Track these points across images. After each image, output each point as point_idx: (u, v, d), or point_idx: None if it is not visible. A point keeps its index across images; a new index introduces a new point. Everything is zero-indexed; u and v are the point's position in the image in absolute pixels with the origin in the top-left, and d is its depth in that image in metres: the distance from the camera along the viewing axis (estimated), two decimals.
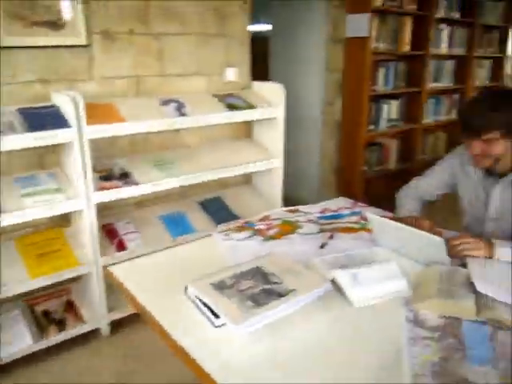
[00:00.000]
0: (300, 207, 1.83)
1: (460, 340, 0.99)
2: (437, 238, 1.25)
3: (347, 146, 3.45)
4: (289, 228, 1.62)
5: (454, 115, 4.30)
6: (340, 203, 1.91)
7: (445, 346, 0.97)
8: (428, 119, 3.99)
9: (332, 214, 1.77)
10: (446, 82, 4.09)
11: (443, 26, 3.77)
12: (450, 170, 1.69)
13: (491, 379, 0.86)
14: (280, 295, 1.08)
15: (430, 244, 1.27)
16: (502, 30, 4.59)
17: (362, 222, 1.68)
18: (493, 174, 1.53)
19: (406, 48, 3.46)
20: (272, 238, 1.53)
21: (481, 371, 0.89)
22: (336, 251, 1.41)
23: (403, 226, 1.33)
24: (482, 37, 4.30)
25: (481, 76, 4.51)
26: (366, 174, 3.58)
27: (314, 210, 1.80)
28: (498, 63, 4.69)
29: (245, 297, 1.07)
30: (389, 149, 3.73)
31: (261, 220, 1.69)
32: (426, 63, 3.66)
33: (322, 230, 1.60)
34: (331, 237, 1.54)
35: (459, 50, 4.09)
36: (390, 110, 3.57)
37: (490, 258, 1.31)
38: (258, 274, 1.18)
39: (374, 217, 1.43)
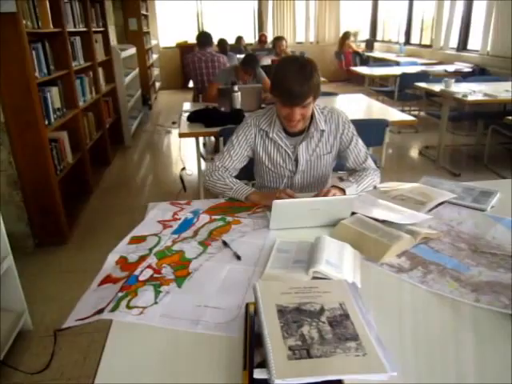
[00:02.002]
0: None
1: (435, 262, 1.21)
2: (350, 197, 1.36)
3: (26, 152, 2.74)
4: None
5: (94, 94, 4.18)
6: (157, 213, 1.61)
7: (433, 271, 1.16)
8: (80, 102, 3.71)
9: (179, 222, 1.50)
10: (80, 61, 3.85)
11: None
12: (248, 143, 1.77)
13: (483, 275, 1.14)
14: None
15: (342, 204, 1.37)
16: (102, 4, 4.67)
17: (217, 217, 1.54)
18: (295, 133, 1.73)
19: (50, 25, 2.97)
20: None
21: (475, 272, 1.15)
22: (249, 255, 1.27)
23: (314, 199, 1.35)
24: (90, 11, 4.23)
25: (97, 51, 4.50)
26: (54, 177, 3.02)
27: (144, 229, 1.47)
28: (105, 36, 4.79)
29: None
30: (63, 142, 3.26)
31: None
32: (66, 42, 3.30)
33: (203, 244, 1.36)
34: (225, 243, 1.35)
35: (81, 26, 3.89)
36: (54, 98, 3.07)
37: None
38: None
39: (282, 201, 1.37)
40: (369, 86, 6.34)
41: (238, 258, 1.26)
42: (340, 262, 1.17)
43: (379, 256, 1.24)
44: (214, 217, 1.55)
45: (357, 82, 8.63)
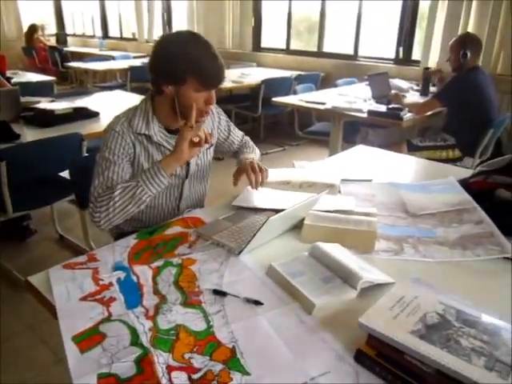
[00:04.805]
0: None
1: (405, 235, 1.28)
2: (321, 195, 1.26)
3: None
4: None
5: None
6: (66, 288, 1.06)
7: (416, 244, 1.24)
8: None
9: (118, 289, 1.03)
10: None
11: None
12: (128, 156, 1.37)
13: None
14: None
15: (313, 204, 1.25)
16: None
17: (159, 264, 1.13)
18: (176, 130, 1.40)
19: None
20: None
21: None
22: (257, 295, 1.03)
23: (297, 205, 1.16)
24: None
25: None
26: None
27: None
28: None
29: None
30: None
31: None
32: None
33: (191, 305, 0.98)
34: (221, 293, 1.02)
35: None
36: None
37: None
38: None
39: (277, 217, 1.11)
40: (93, 83, 5.83)
41: (258, 303, 0.98)
42: (363, 264, 1.09)
43: (370, 245, 1.21)
44: (153, 265, 1.13)
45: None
